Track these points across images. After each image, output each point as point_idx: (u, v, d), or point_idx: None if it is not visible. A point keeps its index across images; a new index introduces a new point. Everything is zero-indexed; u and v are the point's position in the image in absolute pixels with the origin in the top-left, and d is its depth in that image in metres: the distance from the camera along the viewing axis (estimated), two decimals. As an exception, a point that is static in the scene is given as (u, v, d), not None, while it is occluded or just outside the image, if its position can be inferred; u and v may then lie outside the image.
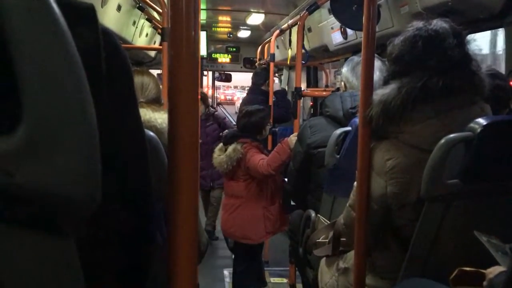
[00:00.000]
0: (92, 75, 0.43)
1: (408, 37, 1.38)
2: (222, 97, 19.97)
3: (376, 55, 1.96)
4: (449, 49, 1.33)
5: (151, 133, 1.13)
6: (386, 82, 1.41)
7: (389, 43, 1.45)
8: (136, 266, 0.66)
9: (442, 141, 1.24)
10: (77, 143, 0.42)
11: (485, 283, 0.99)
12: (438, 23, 1.37)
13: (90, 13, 0.52)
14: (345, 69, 2.29)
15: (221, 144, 3.22)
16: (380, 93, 1.37)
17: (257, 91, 4.91)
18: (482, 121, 1.23)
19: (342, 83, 2.35)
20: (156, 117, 1.59)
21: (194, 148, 0.60)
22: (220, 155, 3.14)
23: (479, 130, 1.22)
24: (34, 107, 0.40)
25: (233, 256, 3.54)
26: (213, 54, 8.54)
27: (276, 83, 4.87)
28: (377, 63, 1.83)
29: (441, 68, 1.32)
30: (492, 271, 0.99)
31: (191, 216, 0.61)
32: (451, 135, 1.24)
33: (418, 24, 1.39)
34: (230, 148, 3.08)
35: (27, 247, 0.42)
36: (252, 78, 5.05)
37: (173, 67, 0.60)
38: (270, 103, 4.12)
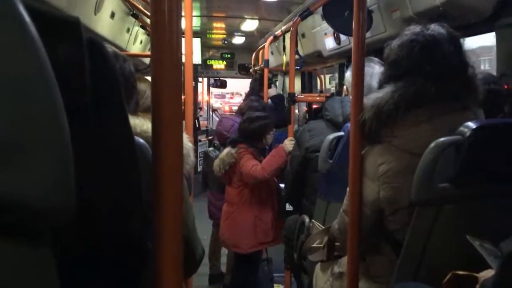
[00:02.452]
0: (76, 87, 0.43)
1: (405, 41, 1.38)
2: (227, 108, 14.44)
3: (378, 60, 1.98)
4: (446, 54, 1.33)
5: (142, 141, 1.12)
6: (381, 85, 1.42)
7: (386, 46, 1.45)
8: (127, 274, 0.66)
9: (432, 145, 1.24)
10: (48, 151, 0.41)
11: (477, 286, 0.99)
12: (436, 28, 1.37)
13: (74, 26, 0.52)
14: (348, 74, 2.29)
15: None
16: (373, 97, 1.37)
17: (258, 98, 4.92)
18: (471, 124, 1.24)
19: (345, 87, 2.36)
20: None
21: (177, 154, 0.60)
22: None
23: (468, 133, 1.22)
24: (3, 116, 0.40)
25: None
26: (208, 61, 8.56)
27: (274, 89, 4.87)
28: (381, 69, 1.83)
29: (436, 73, 1.32)
30: (485, 275, 1.00)
31: (175, 222, 0.60)
32: (441, 139, 1.25)
33: (416, 28, 1.39)
34: (224, 152, 3.08)
35: (2, 255, 0.42)
36: (251, 84, 5.06)
37: (156, 74, 0.61)
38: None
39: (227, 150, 3.07)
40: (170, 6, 0.60)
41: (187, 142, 1.34)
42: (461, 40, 1.39)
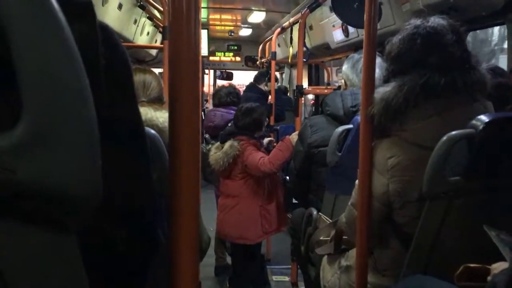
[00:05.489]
0: (90, 70, 0.43)
1: (406, 35, 1.38)
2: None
3: (377, 52, 1.96)
4: (449, 45, 1.33)
5: (152, 131, 1.12)
6: (386, 80, 1.41)
7: (387, 42, 1.44)
8: (137, 265, 0.66)
9: (444, 138, 1.24)
10: (77, 138, 0.42)
11: (489, 278, 0.98)
12: (436, 20, 1.37)
13: (87, 8, 0.52)
14: (345, 67, 2.28)
15: (218, 143, 3.19)
16: (381, 91, 1.36)
17: (253, 89, 4.93)
18: (484, 118, 1.23)
19: (343, 81, 2.35)
20: (157, 116, 1.58)
21: (195, 146, 0.60)
22: (217, 153, 3.10)
23: (481, 127, 1.21)
24: (34, 103, 0.40)
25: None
26: (215, 53, 8.55)
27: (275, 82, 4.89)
28: (378, 60, 1.82)
29: (442, 65, 1.31)
30: (497, 267, 0.99)
31: (193, 214, 0.60)
32: (453, 132, 1.24)
33: (416, 21, 1.39)
34: (227, 145, 3.04)
35: (30, 242, 0.42)
36: (254, 76, 5.07)
37: (173, 66, 0.60)
38: (272, 101, 4.12)
39: (229, 143, 3.04)
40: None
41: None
42: (462, 30, 1.38)
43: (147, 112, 1.57)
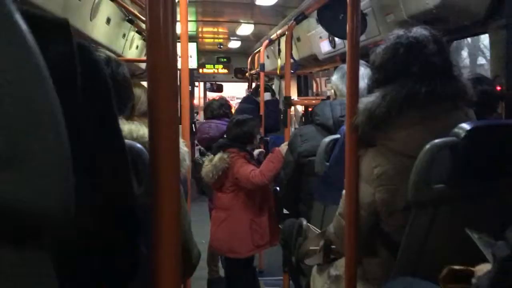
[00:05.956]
0: (66, 89, 0.43)
1: (390, 45, 1.41)
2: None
3: (364, 62, 1.99)
4: (430, 55, 1.35)
5: (138, 145, 1.13)
6: (370, 90, 1.43)
7: (371, 52, 1.47)
8: (119, 277, 0.66)
9: (427, 146, 1.25)
10: (48, 156, 0.41)
11: (473, 280, 0.99)
12: (418, 31, 1.39)
13: (63, 28, 0.52)
14: (335, 77, 2.30)
15: (211, 155, 3.17)
16: (365, 101, 1.38)
17: (249, 100, 4.95)
18: (466, 126, 1.25)
19: (332, 91, 2.37)
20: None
21: (174, 158, 0.60)
22: (208, 165, 3.07)
23: (463, 135, 1.23)
24: (3, 123, 0.40)
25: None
26: (205, 65, 8.58)
27: (268, 93, 4.91)
28: (366, 71, 1.85)
29: (424, 74, 1.33)
30: (481, 269, 1.00)
31: (172, 226, 0.61)
32: (436, 140, 1.26)
33: (399, 32, 1.42)
34: (216, 157, 3.00)
35: (2, 260, 0.42)
36: (253, 89, 5.11)
37: (152, 79, 0.61)
38: (261, 112, 4.13)
39: (219, 155, 3.00)
40: (165, 11, 0.60)
41: (182, 146, 1.35)
42: (444, 40, 1.41)
43: (139, 129, 1.57)
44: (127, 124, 1.26)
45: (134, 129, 1.27)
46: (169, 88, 0.61)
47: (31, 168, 0.41)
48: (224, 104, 3.98)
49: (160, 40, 0.60)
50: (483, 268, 0.98)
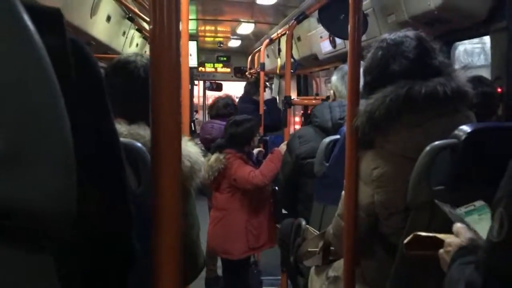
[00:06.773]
0: (60, 85, 0.42)
1: (374, 49, 1.44)
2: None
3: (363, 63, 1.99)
4: (407, 52, 1.37)
5: (138, 144, 1.12)
6: (362, 95, 1.44)
7: (363, 58, 1.48)
8: (115, 278, 0.65)
9: (427, 148, 1.25)
10: (51, 157, 0.41)
11: (441, 250, 0.98)
12: (401, 33, 1.42)
13: (57, 19, 0.51)
14: (334, 78, 2.30)
15: (210, 155, 3.16)
16: (365, 103, 1.38)
17: (248, 100, 4.94)
18: (466, 128, 1.24)
19: (332, 92, 2.36)
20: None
21: (176, 158, 0.60)
22: (205, 165, 3.08)
23: (463, 137, 1.23)
24: (7, 122, 0.40)
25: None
26: (204, 64, 8.57)
27: (267, 92, 4.90)
28: None
29: (410, 72, 1.33)
30: (448, 237, 0.99)
31: (173, 226, 0.60)
32: (436, 142, 1.25)
33: (385, 35, 1.45)
34: (212, 158, 2.99)
35: (3, 260, 0.42)
36: (245, 87, 5.08)
37: (155, 76, 0.60)
38: (261, 112, 4.13)
39: (215, 156, 2.99)
40: (169, 10, 0.60)
41: (199, 157, 1.36)
42: (432, 41, 1.42)
43: (145, 129, 1.57)
44: (125, 125, 1.27)
45: (138, 130, 1.28)
46: (172, 88, 0.60)
47: (34, 168, 0.40)
48: (230, 104, 3.95)
49: (163, 39, 0.60)
50: (452, 241, 0.97)
